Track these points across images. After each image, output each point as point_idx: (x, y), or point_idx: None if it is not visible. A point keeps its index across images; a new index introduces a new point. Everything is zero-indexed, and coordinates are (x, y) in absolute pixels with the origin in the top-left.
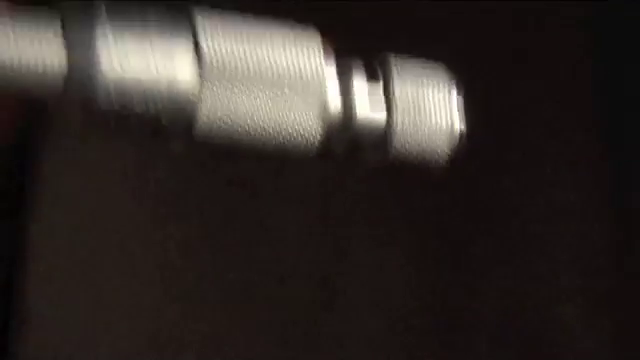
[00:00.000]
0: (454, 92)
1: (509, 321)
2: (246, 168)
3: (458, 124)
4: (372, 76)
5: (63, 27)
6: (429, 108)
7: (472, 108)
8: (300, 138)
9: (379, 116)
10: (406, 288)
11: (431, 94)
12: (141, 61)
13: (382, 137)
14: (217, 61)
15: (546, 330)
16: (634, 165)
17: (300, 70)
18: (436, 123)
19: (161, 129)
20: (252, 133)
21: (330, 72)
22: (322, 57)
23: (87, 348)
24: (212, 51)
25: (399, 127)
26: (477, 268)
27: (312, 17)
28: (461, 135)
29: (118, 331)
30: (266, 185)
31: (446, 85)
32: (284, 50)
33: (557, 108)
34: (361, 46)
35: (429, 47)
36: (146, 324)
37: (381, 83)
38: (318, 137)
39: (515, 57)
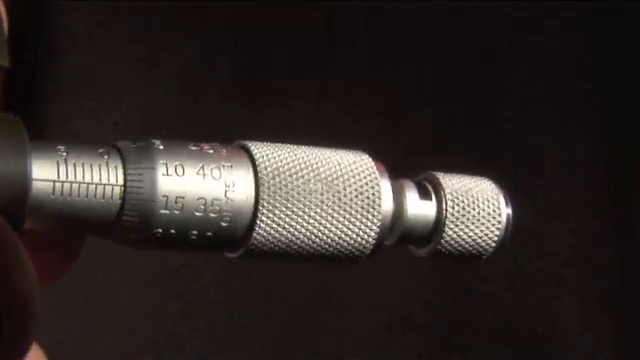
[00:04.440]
0: (500, 194)
1: (508, 319)
2: None
3: (505, 209)
4: (424, 193)
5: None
6: (476, 196)
7: (471, 108)
8: (356, 245)
9: (429, 207)
10: (405, 287)
11: (478, 190)
12: (197, 168)
13: (433, 227)
14: (272, 166)
15: (545, 328)
16: (634, 165)
17: (355, 174)
18: (484, 209)
19: (219, 235)
20: (308, 241)
21: (384, 183)
22: (373, 165)
23: (85, 348)
24: (266, 158)
25: (449, 215)
26: (477, 266)
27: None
28: (508, 220)
29: (117, 330)
30: None
31: (492, 187)
32: (336, 156)
33: (557, 108)
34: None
35: (429, 47)
36: (145, 324)
37: (433, 200)
38: (373, 242)
39: (515, 57)
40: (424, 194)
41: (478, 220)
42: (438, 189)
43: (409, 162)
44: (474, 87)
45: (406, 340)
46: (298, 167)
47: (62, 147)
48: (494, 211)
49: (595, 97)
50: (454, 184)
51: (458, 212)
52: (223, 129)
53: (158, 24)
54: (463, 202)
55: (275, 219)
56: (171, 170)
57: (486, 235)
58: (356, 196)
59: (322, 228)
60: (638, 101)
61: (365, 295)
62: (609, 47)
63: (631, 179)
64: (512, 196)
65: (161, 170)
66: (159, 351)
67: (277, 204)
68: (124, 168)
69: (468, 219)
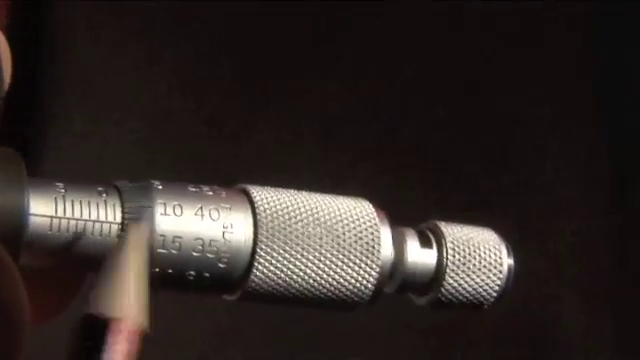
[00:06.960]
0: (502, 244)
1: (510, 319)
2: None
3: (506, 260)
4: (425, 241)
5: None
6: (477, 245)
7: (472, 108)
8: (355, 290)
9: (430, 255)
10: None
11: (479, 239)
12: (195, 208)
13: (433, 275)
14: (271, 209)
15: (547, 328)
16: (636, 164)
17: (354, 219)
18: (485, 259)
19: (216, 277)
20: (306, 285)
21: (384, 229)
22: (374, 211)
23: None
24: (265, 201)
25: (449, 263)
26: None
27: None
28: (509, 270)
29: None
30: None
31: (494, 237)
32: (336, 202)
33: (558, 108)
34: None
35: (429, 48)
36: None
37: (434, 248)
38: (371, 288)
39: (515, 57)
40: (425, 242)
41: (479, 269)
42: (439, 237)
43: (409, 162)
44: (474, 87)
45: (407, 340)
46: (297, 211)
47: (61, 184)
48: (495, 261)
49: (595, 96)
50: (456, 233)
51: (459, 261)
52: (223, 129)
53: (158, 24)
54: (464, 251)
55: (273, 262)
56: (169, 210)
57: (487, 285)
58: (355, 241)
59: (320, 272)
60: (638, 101)
61: None
62: (609, 47)
63: (633, 178)
64: (512, 196)
65: (159, 209)
66: (160, 350)
67: (275, 247)
68: (122, 206)
69: (469, 268)
